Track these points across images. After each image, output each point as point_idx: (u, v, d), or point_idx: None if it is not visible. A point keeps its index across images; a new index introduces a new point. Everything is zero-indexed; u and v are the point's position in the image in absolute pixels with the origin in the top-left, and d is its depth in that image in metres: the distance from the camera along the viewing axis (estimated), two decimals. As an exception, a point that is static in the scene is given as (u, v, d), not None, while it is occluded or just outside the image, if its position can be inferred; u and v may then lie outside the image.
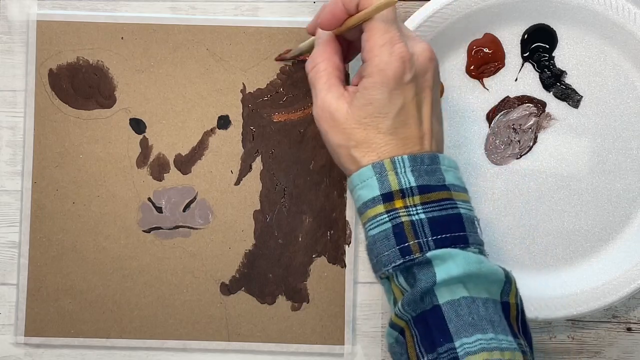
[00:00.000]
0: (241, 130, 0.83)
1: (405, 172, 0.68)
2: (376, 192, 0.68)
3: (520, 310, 0.70)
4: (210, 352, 0.83)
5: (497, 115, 0.84)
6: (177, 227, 0.83)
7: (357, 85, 0.70)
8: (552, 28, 0.83)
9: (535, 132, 0.84)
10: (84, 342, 0.83)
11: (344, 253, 0.83)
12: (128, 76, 0.83)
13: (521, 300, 0.70)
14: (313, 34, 0.75)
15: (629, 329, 0.85)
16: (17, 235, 0.83)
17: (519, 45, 0.83)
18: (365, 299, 0.84)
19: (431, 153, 0.70)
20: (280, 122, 0.83)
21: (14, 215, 0.83)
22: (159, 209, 0.83)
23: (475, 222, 0.70)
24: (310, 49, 0.77)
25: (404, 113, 0.69)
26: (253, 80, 0.83)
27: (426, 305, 0.66)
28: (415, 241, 0.67)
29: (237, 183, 0.83)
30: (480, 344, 0.65)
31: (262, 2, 0.83)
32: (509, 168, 0.84)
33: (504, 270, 0.69)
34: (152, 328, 0.83)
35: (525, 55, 0.83)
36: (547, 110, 0.84)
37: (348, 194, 0.83)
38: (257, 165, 0.83)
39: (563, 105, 0.84)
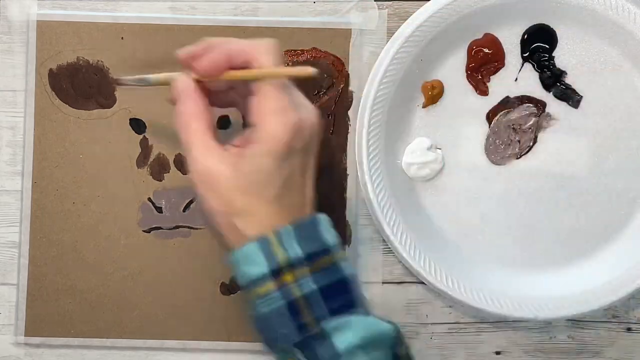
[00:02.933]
0: (241, 130, 0.83)
1: (291, 243, 0.65)
2: (264, 269, 0.65)
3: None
4: (210, 352, 0.83)
5: (497, 115, 0.84)
6: (177, 227, 0.83)
7: (238, 146, 0.67)
8: (552, 28, 0.83)
9: (535, 132, 0.84)
10: (84, 342, 0.83)
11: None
12: (128, 76, 0.83)
13: (407, 347, 0.69)
14: (186, 65, 0.69)
15: (629, 329, 0.85)
16: (17, 235, 0.83)
17: (519, 45, 0.83)
18: (365, 299, 0.84)
19: (312, 217, 0.67)
20: (280, 122, 0.83)
21: (14, 215, 0.83)
22: (159, 209, 0.83)
23: (357, 278, 0.68)
24: (162, 83, 0.71)
25: (290, 181, 0.66)
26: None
27: None
28: (311, 316, 0.65)
29: (237, 183, 0.83)
30: None
31: (262, 2, 0.83)
32: (509, 168, 0.84)
33: (393, 324, 0.67)
34: (152, 328, 0.83)
35: (525, 55, 0.83)
36: (547, 110, 0.84)
37: (348, 194, 0.83)
38: (257, 165, 0.83)
39: (563, 105, 0.84)
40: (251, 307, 0.67)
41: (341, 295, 0.66)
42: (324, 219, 0.68)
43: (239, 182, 0.65)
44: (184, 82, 0.68)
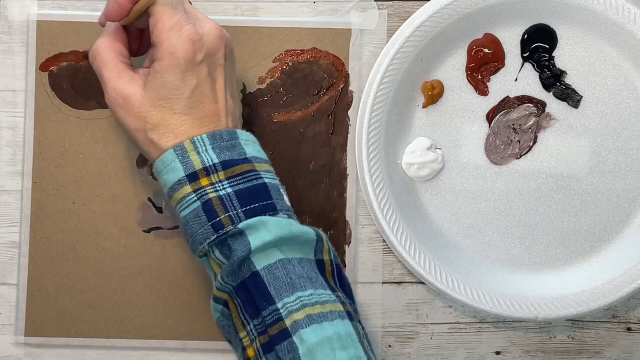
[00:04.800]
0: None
1: (206, 150, 0.69)
2: (181, 174, 0.69)
3: (335, 266, 0.72)
4: (210, 352, 0.83)
5: (497, 115, 0.84)
6: (177, 227, 0.83)
7: (148, 68, 0.71)
8: (552, 28, 0.83)
9: (535, 132, 0.84)
10: (84, 342, 0.83)
11: (344, 253, 0.83)
12: (128, 76, 0.83)
13: (335, 257, 0.72)
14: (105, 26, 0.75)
15: (629, 329, 0.85)
16: (17, 235, 0.83)
17: (519, 45, 0.83)
18: (365, 299, 0.84)
19: (230, 129, 0.71)
20: (280, 122, 0.83)
21: (14, 215, 0.83)
22: (159, 209, 0.83)
23: (281, 190, 0.71)
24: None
25: (198, 93, 0.70)
26: (253, 80, 0.83)
27: (245, 274, 0.68)
28: (226, 215, 0.68)
29: (237, 183, 0.83)
30: (301, 301, 0.67)
31: (262, 2, 0.83)
32: (509, 168, 0.84)
33: (315, 230, 0.71)
34: (152, 328, 0.83)
35: (525, 55, 0.83)
36: (547, 110, 0.84)
37: (348, 194, 0.83)
38: (257, 165, 0.83)
39: (563, 105, 0.84)
40: (177, 215, 0.71)
41: (259, 199, 0.69)
42: (244, 133, 0.72)
43: (149, 98, 0.70)
44: (108, 24, 0.73)
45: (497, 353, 0.85)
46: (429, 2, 0.81)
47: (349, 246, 0.83)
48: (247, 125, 0.83)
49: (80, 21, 0.82)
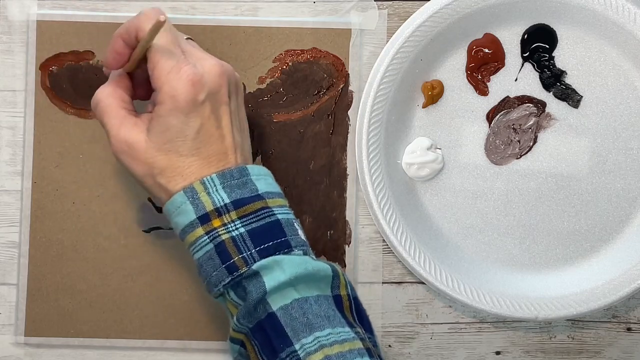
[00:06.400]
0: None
1: (217, 190, 0.68)
2: (192, 216, 0.68)
3: (353, 300, 0.71)
4: (210, 352, 0.83)
5: (497, 115, 0.84)
6: (177, 227, 0.83)
7: (151, 112, 0.70)
8: (552, 28, 0.83)
9: (535, 132, 0.84)
10: (84, 342, 0.83)
11: (344, 253, 0.83)
12: (128, 76, 0.83)
13: (352, 290, 0.71)
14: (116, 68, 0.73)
15: (629, 329, 0.85)
16: (17, 235, 0.83)
17: (519, 45, 0.83)
18: (365, 299, 0.83)
19: (239, 166, 0.70)
20: (280, 122, 0.83)
21: (14, 215, 0.83)
22: (159, 209, 0.83)
23: (295, 224, 0.70)
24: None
25: (204, 133, 0.69)
26: (253, 80, 0.83)
27: (261, 315, 0.67)
28: (240, 256, 0.67)
29: (237, 183, 0.83)
30: (319, 341, 0.66)
31: (262, 2, 0.83)
32: (509, 168, 0.84)
33: (330, 265, 0.70)
34: (152, 328, 0.83)
35: (525, 55, 0.83)
36: (547, 110, 0.84)
37: (348, 194, 0.83)
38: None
39: (563, 105, 0.84)
40: (190, 257, 0.70)
41: (273, 238, 0.68)
42: (255, 168, 0.70)
43: (154, 143, 0.69)
44: (112, 71, 0.73)
45: (497, 353, 0.85)
46: (429, 2, 0.81)
47: (349, 246, 0.83)
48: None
49: (80, 21, 0.82)
